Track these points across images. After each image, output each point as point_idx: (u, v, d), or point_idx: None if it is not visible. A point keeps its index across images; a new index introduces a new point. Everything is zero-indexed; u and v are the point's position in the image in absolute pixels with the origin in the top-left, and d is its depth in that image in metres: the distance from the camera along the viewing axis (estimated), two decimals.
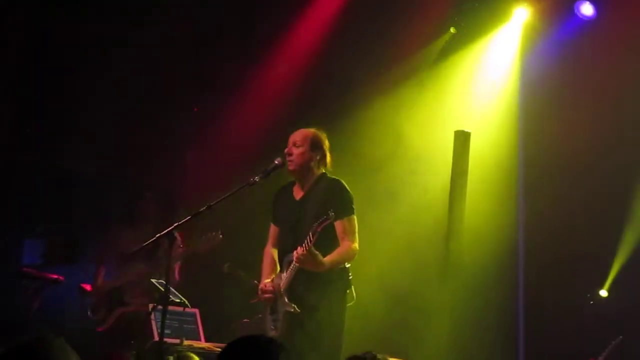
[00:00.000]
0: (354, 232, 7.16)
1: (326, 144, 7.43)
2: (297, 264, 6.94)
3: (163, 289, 7.23)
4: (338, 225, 7.01)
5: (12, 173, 10.56)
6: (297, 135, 7.39)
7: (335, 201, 7.12)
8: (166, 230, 7.20)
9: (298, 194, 7.41)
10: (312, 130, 7.45)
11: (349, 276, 7.21)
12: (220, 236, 8.01)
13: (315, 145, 7.36)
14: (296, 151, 7.31)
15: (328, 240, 6.98)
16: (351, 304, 7.25)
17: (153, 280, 8.34)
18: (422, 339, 9.81)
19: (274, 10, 10.68)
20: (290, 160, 7.30)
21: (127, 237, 8.91)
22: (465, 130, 10.14)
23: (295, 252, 6.93)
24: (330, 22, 10.56)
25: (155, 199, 8.89)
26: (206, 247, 7.95)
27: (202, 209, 7.05)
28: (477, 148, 10.12)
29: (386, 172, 10.77)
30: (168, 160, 11.42)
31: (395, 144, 10.82)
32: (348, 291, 7.23)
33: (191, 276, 9.50)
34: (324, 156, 7.41)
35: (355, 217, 7.21)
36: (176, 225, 7.05)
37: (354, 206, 7.24)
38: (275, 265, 7.45)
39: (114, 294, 8.70)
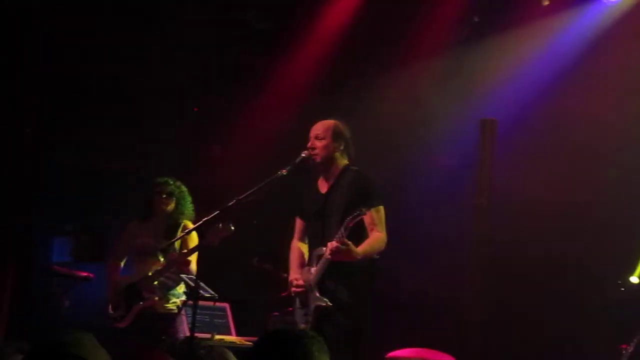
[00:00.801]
0: (382, 222, 7.11)
1: (347, 133, 7.39)
2: (329, 258, 6.91)
3: (193, 284, 7.23)
4: (367, 216, 6.95)
5: (40, 172, 10.61)
6: (318, 128, 7.34)
7: (362, 193, 7.09)
8: (197, 225, 7.21)
9: (323, 187, 7.37)
10: (332, 120, 7.39)
11: (378, 268, 7.18)
12: (232, 228, 7.94)
13: (337, 136, 7.31)
14: (319, 144, 7.27)
15: (356, 232, 6.94)
16: (379, 294, 7.23)
17: (183, 276, 8.36)
18: (454, 328, 9.83)
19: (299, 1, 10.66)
20: (314, 154, 7.27)
21: (141, 232, 8.92)
22: (491, 118, 10.13)
23: (329, 246, 6.87)
24: (354, 12, 10.52)
25: (165, 193, 8.86)
26: (216, 239, 7.91)
27: (230, 203, 7.06)
28: (504, 136, 10.11)
29: (411, 160, 10.77)
30: (194, 155, 11.46)
31: (421, 133, 10.82)
32: (376, 282, 7.21)
33: (221, 270, 9.51)
34: (347, 146, 7.35)
35: (382, 207, 7.18)
36: (206, 220, 7.07)
37: (381, 196, 7.21)
38: (303, 259, 7.43)
39: (131, 290, 8.71)
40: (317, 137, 7.28)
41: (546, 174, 10.16)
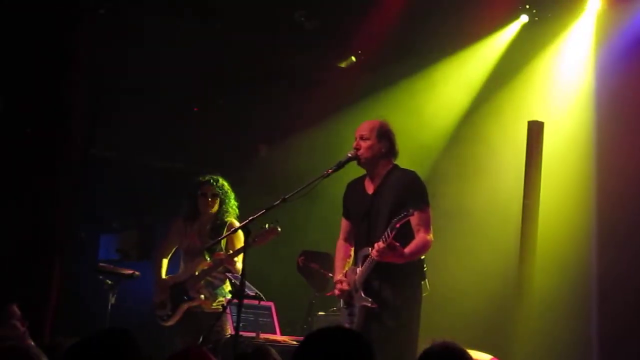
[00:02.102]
0: (428, 224, 7.08)
1: (393, 133, 7.36)
2: (376, 258, 6.89)
3: (238, 283, 7.24)
4: (413, 217, 6.91)
5: (87, 170, 10.67)
6: (363, 128, 7.32)
7: (409, 193, 7.05)
8: (243, 223, 7.23)
9: (370, 187, 7.35)
10: (377, 120, 7.39)
11: (424, 268, 7.16)
12: (278, 229, 7.99)
13: (382, 136, 7.28)
14: (364, 144, 7.25)
15: (403, 232, 6.92)
16: (426, 294, 7.20)
17: (228, 275, 8.39)
18: (501, 332, 9.77)
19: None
20: (359, 154, 7.26)
21: (187, 231, 8.96)
22: (539, 120, 10.07)
23: (375, 246, 6.85)
24: (400, 12, 10.48)
25: (210, 196, 8.89)
26: (263, 240, 7.96)
27: (276, 203, 7.06)
28: (551, 138, 10.05)
29: (459, 161, 10.74)
30: (241, 154, 11.50)
31: (467, 134, 10.80)
32: (423, 283, 7.18)
33: (266, 269, 9.53)
34: (393, 146, 7.33)
35: (429, 208, 7.15)
36: (252, 219, 7.07)
37: (428, 197, 7.18)
38: (349, 259, 7.42)
39: (178, 289, 8.74)
40: (362, 138, 7.27)
41: (592, 177, 10.09)
